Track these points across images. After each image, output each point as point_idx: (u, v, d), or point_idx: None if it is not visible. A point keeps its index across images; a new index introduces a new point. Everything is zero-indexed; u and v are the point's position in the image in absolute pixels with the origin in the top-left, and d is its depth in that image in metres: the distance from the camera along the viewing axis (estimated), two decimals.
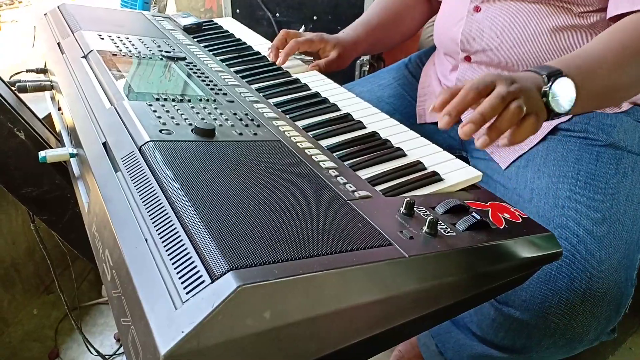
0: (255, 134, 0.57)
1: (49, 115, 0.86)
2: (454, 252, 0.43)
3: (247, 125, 0.59)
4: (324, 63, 0.89)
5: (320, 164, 0.54)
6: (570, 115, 0.72)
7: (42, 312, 1.20)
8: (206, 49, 0.90)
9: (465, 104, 0.54)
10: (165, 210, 0.40)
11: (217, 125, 0.56)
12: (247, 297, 0.32)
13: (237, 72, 0.81)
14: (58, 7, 0.96)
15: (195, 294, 0.32)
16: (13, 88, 0.81)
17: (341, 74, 0.94)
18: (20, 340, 1.13)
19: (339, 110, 0.71)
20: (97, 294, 1.25)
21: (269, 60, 0.88)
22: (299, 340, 0.35)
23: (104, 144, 0.52)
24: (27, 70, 0.94)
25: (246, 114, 0.63)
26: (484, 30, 0.78)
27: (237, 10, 1.52)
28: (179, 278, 0.34)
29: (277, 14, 1.47)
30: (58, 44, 0.81)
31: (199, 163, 0.47)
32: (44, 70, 0.90)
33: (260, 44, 0.96)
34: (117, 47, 0.79)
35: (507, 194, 0.75)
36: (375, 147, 0.61)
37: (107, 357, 1.06)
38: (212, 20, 1.08)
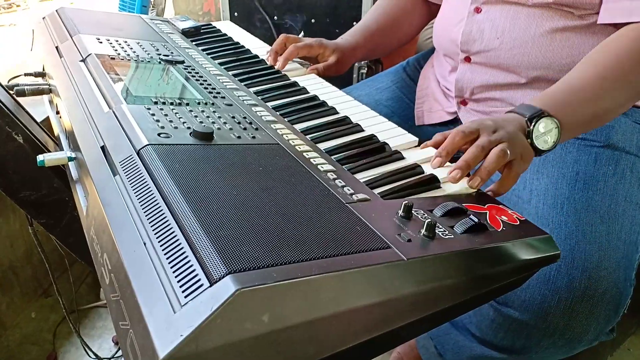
0: (253, 137, 0.57)
1: (47, 119, 0.86)
2: (452, 255, 0.43)
3: (245, 129, 0.59)
4: (322, 67, 0.90)
5: (319, 167, 0.54)
6: None
7: (40, 315, 1.20)
8: (204, 53, 0.90)
9: (454, 145, 0.57)
10: (163, 213, 0.40)
11: (216, 129, 0.56)
12: (245, 301, 0.32)
13: (235, 75, 0.81)
14: (56, 10, 0.96)
15: (193, 298, 0.32)
16: (11, 92, 0.81)
17: (339, 77, 0.94)
18: (19, 343, 1.13)
19: (337, 113, 0.71)
20: (96, 297, 1.25)
21: (267, 64, 0.88)
22: (297, 343, 0.35)
23: (102, 148, 0.52)
24: (26, 74, 0.94)
25: (244, 117, 0.63)
26: (485, 31, 0.79)
27: (236, 14, 1.53)
28: (178, 282, 0.34)
29: (275, 17, 1.47)
30: (56, 47, 0.81)
31: (197, 166, 0.47)
32: (42, 74, 0.90)
33: (258, 47, 0.96)
34: (116, 50, 0.79)
35: (506, 195, 0.75)
36: (374, 150, 0.61)
37: None
38: (211, 24, 1.08)
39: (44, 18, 0.96)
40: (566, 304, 0.62)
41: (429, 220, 0.44)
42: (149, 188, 0.43)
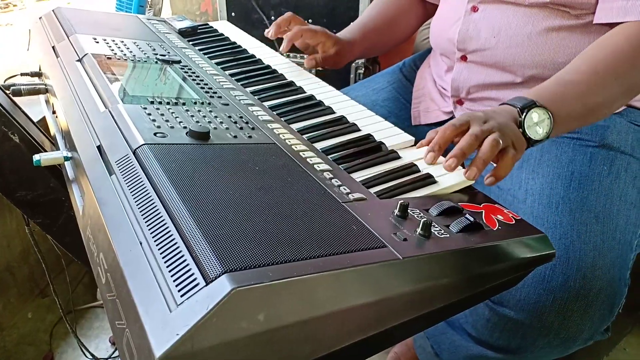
0: (250, 136, 0.57)
1: (44, 119, 0.86)
2: (447, 254, 0.43)
3: (241, 128, 0.59)
4: (321, 57, 0.89)
5: (315, 166, 0.54)
6: None
7: (36, 315, 1.20)
8: (201, 52, 0.90)
9: (445, 138, 0.58)
10: (159, 213, 0.40)
11: (212, 128, 0.56)
12: (241, 300, 0.32)
13: (232, 75, 0.81)
14: (53, 10, 0.96)
15: (189, 297, 0.32)
16: (7, 91, 0.80)
17: (337, 77, 0.94)
18: (15, 344, 1.13)
19: (334, 112, 0.71)
20: (92, 298, 1.25)
21: (264, 64, 0.88)
22: (293, 342, 0.36)
23: (99, 147, 0.52)
24: (22, 74, 0.93)
25: (241, 117, 0.63)
26: (481, 30, 0.79)
27: (233, 14, 1.52)
28: (174, 281, 0.34)
29: (273, 17, 1.47)
30: (53, 47, 0.81)
31: (194, 166, 0.47)
32: (38, 74, 0.90)
33: (255, 47, 0.96)
34: (112, 50, 0.79)
35: (502, 195, 0.76)
36: (370, 150, 0.61)
37: None
38: (208, 24, 1.08)
39: (40, 18, 0.96)
40: (561, 303, 0.62)
41: (425, 219, 0.44)
42: (145, 187, 0.43)
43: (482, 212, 0.51)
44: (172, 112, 0.59)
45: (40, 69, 0.91)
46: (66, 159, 0.59)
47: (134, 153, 0.48)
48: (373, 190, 0.53)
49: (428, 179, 0.56)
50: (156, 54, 0.82)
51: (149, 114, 0.57)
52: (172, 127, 0.54)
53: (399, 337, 0.56)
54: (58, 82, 0.70)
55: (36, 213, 0.79)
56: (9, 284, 1.15)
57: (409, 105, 0.99)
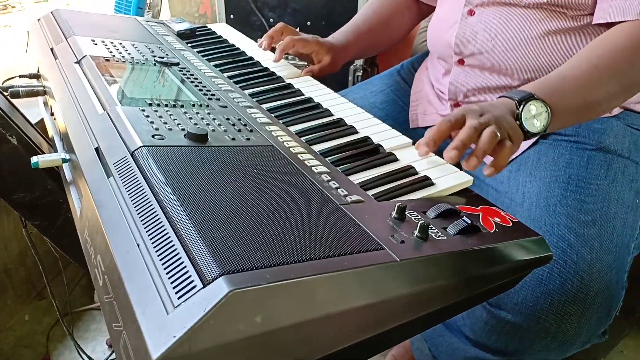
0: (248, 139, 0.58)
1: (42, 121, 0.86)
2: (444, 256, 0.43)
3: (240, 131, 0.59)
4: (318, 69, 0.90)
5: (313, 168, 0.54)
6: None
7: (33, 318, 1.19)
8: (200, 55, 0.91)
9: (441, 133, 0.58)
10: (157, 215, 0.40)
11: (210, 131, 0.56)
12: (238, 302, 0.32)
13: (230, 77, 0.82)
14: (51, 12, 0.96)
15: (187, 299, 0.32)
16: (5, 93, 0.80)
17: (335, 79, 0.94)
18: (12, 346, 1.12)
19: (332, 115, 0.71)
20: (90, 300, 1.25)
21: (262, 66, 0.88)
22: (290, 344, 0.36)
23: (97, 150, 0.52)
24: (20, 76, 0.93)
25: (239, 119, 0.63)
26: (478, 33, 0.79)
27: (231, 16, 1.53)
28: (171, 283, 0.34)
29: (271, 20, 1.48)
30: (51, 49, 0.81)
31: (192, 168, 0.47)
32: (36, 76, 0.90)
33: (253, 49, 0.97)
34: (111, 52, 0.79)
35: (499, 198, 0.76)
36: (368, 152, 0.61)
37: None
38: (206, 26, 1.08)
39: (39, 20, 0.96)
40: (558, 306, 0.63)
41: (422, 221, 0.44)
42: (142, 190, 0.43)
43: (479, 214, 0.51)
44: (170, 115, 0.59)
45: (38, 71, 0.91)
46: (64, 161, 0.59)
47: (132, 155, 0.48)
48: (371, 192, 0.53)
49: (425, 181, 0.56)
50: (154, 56, 0.82)
51: (147, 116, 0.57)
52: (170, 130, 0.55)
53: (396, 340, 0.56)
54: (56, 84, 0.70)
55: (34, 215, 0.79)
56: (5, 286, 1.15)
57: (406, 108, 0.99)
